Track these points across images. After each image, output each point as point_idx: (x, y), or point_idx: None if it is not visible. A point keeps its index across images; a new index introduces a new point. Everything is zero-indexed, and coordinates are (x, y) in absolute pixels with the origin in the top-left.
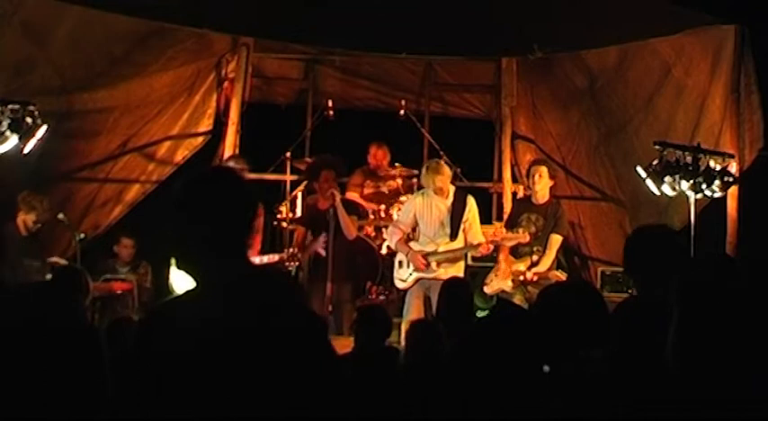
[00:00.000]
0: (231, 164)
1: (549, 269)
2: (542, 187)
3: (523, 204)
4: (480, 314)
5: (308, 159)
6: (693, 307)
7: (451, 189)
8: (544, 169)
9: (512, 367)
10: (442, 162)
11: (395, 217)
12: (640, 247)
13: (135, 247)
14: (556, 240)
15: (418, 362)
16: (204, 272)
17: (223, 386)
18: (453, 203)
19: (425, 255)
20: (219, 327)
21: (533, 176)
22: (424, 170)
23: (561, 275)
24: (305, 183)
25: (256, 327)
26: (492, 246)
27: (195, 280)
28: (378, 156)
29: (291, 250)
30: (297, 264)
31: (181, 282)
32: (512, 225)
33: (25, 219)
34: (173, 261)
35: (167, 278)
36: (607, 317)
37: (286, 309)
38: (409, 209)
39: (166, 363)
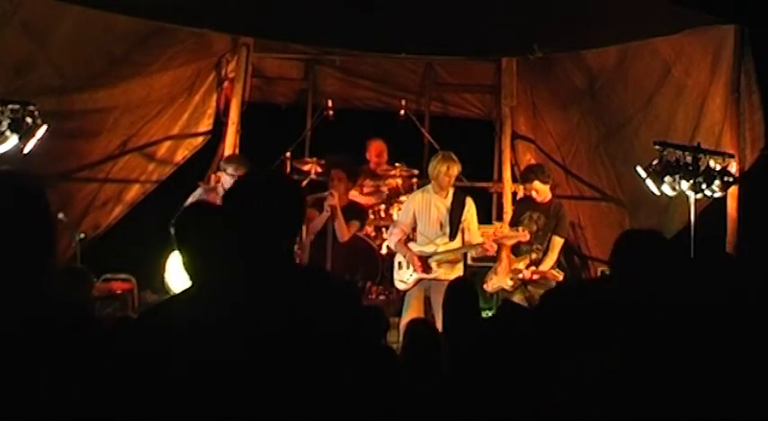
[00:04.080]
0: (232, 164)
1: (549, 269)
2: (541, 194)
3: (526, 203)
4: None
5: (309, 159)
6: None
7: (451, 189)
8: (537, 183)
9: (518, 367)
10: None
11: (395, 217)
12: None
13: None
14: (558, 242)
15: (415, 361)
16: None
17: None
18: (452, 203)
19: (425, 257)
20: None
21: (530, 191)
22: (437, 158)
23: (558, 275)
24: (305, 182)
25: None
26: (495, 246)
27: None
28: (378, 150)
29: None
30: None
31: (178, 280)
32: (515, 223)
33: None
34: (169, 260)
35: (163, 276)
36: (609, 317)
37: (327, 311)
38: (409, 207)
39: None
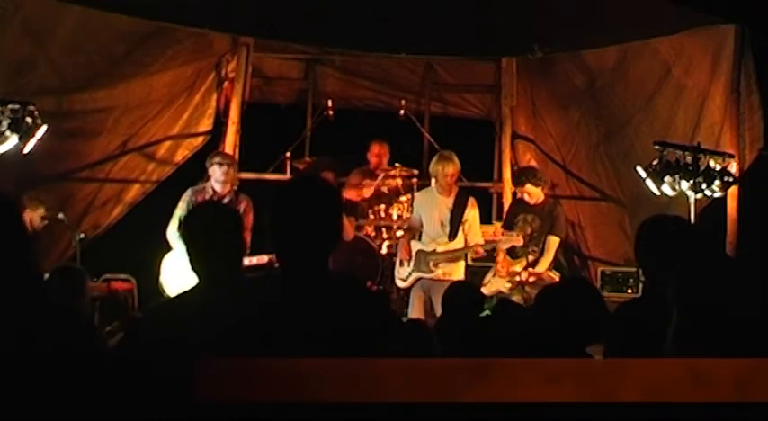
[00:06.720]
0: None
1: (546, 270)
2: (534, 196)
3: (520, 205)
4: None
5: (308, 159)
6: (691, 309)
7: (455, 190)
8: (528, 186)
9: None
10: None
11: (394, 217)
12: (654, 234)
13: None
14: (554, 242)
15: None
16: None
17: None
18: (454, 204)
19: (425, 254)
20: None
21: (522, 194)
22: (435, 158)
23: (555, 276)
24: None
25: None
26: (482, 250)
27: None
28: (379, 153)
29: None
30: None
31: (173, 281)
32: (508, 225)
33: (32, 217)
34: (164, 261)
35: (157, 278)
36: (604, 313)
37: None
38: (415, 207)
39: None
